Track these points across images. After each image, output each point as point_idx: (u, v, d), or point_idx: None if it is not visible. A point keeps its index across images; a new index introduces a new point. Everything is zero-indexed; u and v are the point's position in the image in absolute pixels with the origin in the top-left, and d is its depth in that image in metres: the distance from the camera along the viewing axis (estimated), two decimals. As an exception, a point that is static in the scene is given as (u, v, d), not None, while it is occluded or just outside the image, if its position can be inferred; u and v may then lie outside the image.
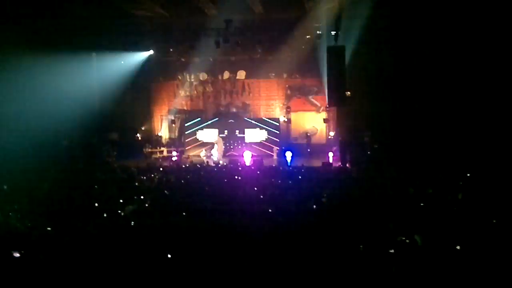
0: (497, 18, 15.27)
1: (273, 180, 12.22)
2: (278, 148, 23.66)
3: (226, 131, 24.66)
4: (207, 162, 19.41)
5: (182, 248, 5.48)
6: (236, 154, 23.55)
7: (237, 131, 24.66)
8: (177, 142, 25.58)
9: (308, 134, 24.86)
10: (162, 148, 24.47)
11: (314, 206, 8.36)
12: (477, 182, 9.67)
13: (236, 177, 12.86)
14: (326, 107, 24.71)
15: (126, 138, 24.65)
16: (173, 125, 25.93)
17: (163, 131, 26.63)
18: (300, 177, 13.09)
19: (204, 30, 22.85)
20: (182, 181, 12.46)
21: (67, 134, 21.24)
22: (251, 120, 24.97)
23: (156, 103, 27.03)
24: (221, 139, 23.48)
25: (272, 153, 23.73)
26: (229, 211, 7.78)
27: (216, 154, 22.42)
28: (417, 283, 4.33)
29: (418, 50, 18.67)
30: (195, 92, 26.24)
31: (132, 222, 7.06)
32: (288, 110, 24.91)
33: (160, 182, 12.46)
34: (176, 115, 25.90)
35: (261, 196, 9.45)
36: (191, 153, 24.23)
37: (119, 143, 23.21)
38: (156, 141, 25.57)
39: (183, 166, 17.60)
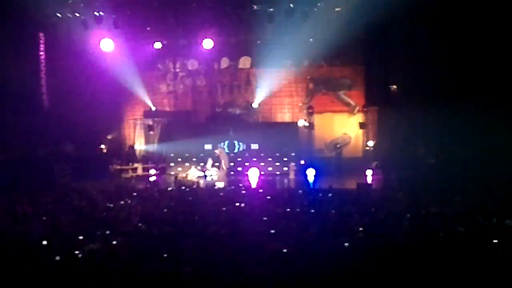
0: None
1: (288, 208, 12.22)
2: (296, 163, 23.67)
3: (224, 142, 24.59)
4: (197, 183, 19.36)
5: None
6: (239, 172, 23.57)
7: (238, 141, 24.71)
8: (156, 156, 25.69)
9: (338, 144, 24.98)
10: (135, 165, 24.64)
11: (346, 244, 8.32)
12: None
13: (238, 204, 12.94)
14: (364, 107, 24.88)
15: (86, 151, 24.58)
16: (151, 132, 25.97)
17: (138, 141, 26.76)
18: (326, 203, 13.14)
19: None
20: (164, 211, 12.50)
21: (2, 145, 21.12)
22: (258, 126, 25.06)
23: (128, 103, 27.07)
24: (223, 150, 23.44)
25: (288, 171, 23.74)
26: (228, 252, 7.85)
27: (219, 173, 22.51)
28: None
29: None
30: (182, 86, 26.26)
31: (94, 267, 7.13)
32: (310, 111, 24.93)
33: (133, 211, 12.48)
34: (156, 119, 25.96)
35: (272, 231, 9.47)
36: (177, 172, 24.28)
37: (76, 158, 23.14)
38: (127, 155, 25.73)
39: (165, 189, 17.59)
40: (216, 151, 22.54)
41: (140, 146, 26.33)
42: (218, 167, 22.31)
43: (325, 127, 25.16)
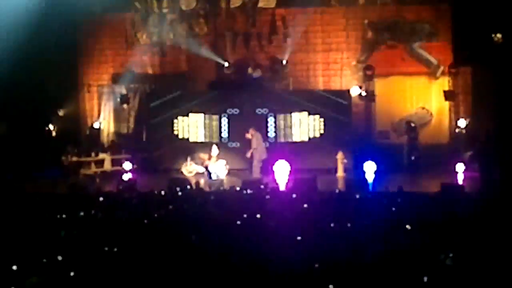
0: None
1: (333, 223, 12.07)
2: (348, 154, 23.79)
3: (237, 119, 25.01)
4: (197, 183, 19.46)
5: None
6: (259, 167, 23.38)
7: (258, 119, 24.87)
8: (133, 143, 26.14)
9: (412, 124, 24.90)
10: (101, 155, 24.93)
11: (425, 279, 8.37)
12: None
13: (257, 215, 12.90)
14: (451, 68, 24.95)
15: (25, 133, 24.69)
16: (125, 106, 26.43)
17: (104, 120, 27.18)
18: (394, 216, 13.03)
19: None
20: (145, 221, 12.61)
21: None
22: (289, 96, 25.30)
23: (89, 61, 27.52)
24: (258, 134, 23.32)
25: (334, 165, 23.82)
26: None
27: (219, 169, 22.94)
28: None
29: None
30: (171, 36, 26.57)
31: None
32: (368, 73, 24.93)
33: (97, 225, 12.46)
34: (132, 86, 26.47)
35: (307, 255, 9.46)
36: (166, 166, 24.69)
37: (10, 143, 23.51)
38: (88, 141, 26.15)
39: (147, 193, 17.21)
40: (248, 134, 22.71)
41: (107, 127, 26.61)
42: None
43: (391, 98, 25.20)
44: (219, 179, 22.05)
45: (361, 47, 25.55)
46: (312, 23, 25.47)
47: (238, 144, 24.64)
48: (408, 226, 11.57)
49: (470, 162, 21.86)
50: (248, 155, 22.57)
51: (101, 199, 15.67)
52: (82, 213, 13.59)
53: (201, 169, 23.50)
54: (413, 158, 23.67)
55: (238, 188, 17.99)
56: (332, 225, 11.98)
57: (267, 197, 16.03)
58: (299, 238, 10.58)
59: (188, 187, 18.53)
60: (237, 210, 13.55)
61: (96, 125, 26.70)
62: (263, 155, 22.53)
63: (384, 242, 10.38)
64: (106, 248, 10.30)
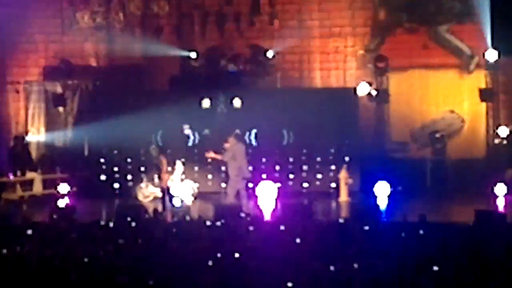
0: None
1: (333, 265, 11.47)
2: (351, 172, 23.21)
3: (207, 126, 24.62)
4: (155, 211, 19.05)
5: None
6: (239, 188, 22.72)
7: (237, 130, 23.79)
8: (70, 157, 25.66)
9: (438, 133, 24.56)
10: (29, 174, 24.48)
11: None
12: None
13: (235, 254, 12.49)
14: (488, 59, 24.32)
15: None
16: (60, 108, 26.07)
17: (33, 126, 26.75)
18: (415, 255, 12.50)
19: None
20: (85, 260, 12.17)
21: None
22: (278, 96, 24.95)
23: (12, 51, 26.95)
24: (237, 142, 22.46)
25: (336, 186, 23.48)
26: None
27: (185, 192, 22.49)
28: None
29: None
30: (121, 17, 26.51)
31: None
32: (380, 65, 24.66)
33: (24, 266, 12.01)
34: (69, 83, 26.00)
35: None
36: (113, 189, 24.49)
37: None
38: (12, 155, 25.67)
39: (89, 224, 17.16)
40: (227, 144, 21.59)
41: (37, 136, 26.07)
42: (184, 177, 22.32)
43: (410, 99, 24.73)
44: (184, 206, 21.63)
45: (371, 32, 25.10)
46: (306, 0, 25.13)
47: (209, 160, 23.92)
48: (435, 268, 11.10)
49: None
50: (208, 155, 21.84)
51: (29, 232, 15.28)
52: (4, 251, 13.14)
53: (160, 193, 22.44)
54: (439, 177, 23.11)
55: (209, 218, 17.85)
56: (332, 268, 11.43)
57: (250, 228, 15.68)
58: (289, 284, 10.21)
59: (145, 216, 18.28)
60: (209, 247, 13.34)
61: (21, 135, 26.03)
62: (242, 174, 21.62)
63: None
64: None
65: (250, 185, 22.37)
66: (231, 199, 21.12)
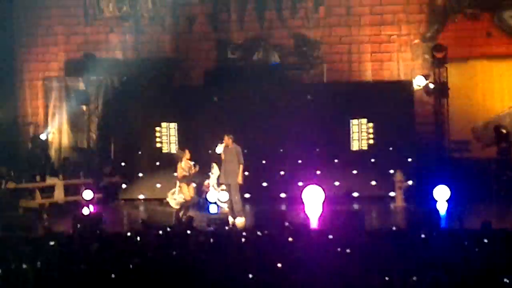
0: None
1: (388, 276, 11.33)
2: (406, 174, 22.59)
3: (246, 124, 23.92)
4: (189, 219, 18.12)
5: None
6: (280, 197, 23.25)
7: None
8: (95, 161, 25.43)
9: (504, 130, 23.76)
10: (50, 180, 23.77)
11: None
12: None
13: (278, 264, 12.23)
14: None
15: None
16: (84, 107, 25.67)
17: (53, 127, 26.38)
18: (479, 265, 12.08)
19: None
20: (112, 276, 11.80)
21: None
22: (323, 90, 24.03)
23: (31, 46, 26.66)
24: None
25: (390, 191, 22.86)
26: None
27: (223, 198, 21.85)
28: None
29: None
30: (150, 6, 25.86)
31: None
32: (438, 55, 23.79)
33: (46, 283, 11.86)
34: (94, 78, 25.48)
35: None
36: (147, 195, 24.02)
37: None
38: (31, 158, 25.19)
39: (115, 234, 16.76)
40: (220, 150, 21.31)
41: (58, 138, 25.70)
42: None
43: (472, 93, 24.15)
44: (222, 213, 21.09)
45: (428, 18, 24.51)
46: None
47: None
48: (506, 280, 10.95)
49: None
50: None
51: (51, 243, 14.62)
52: (24, 266, 12.57)
53: (196, 198, 22.20)
54: (505, 179, 22.23)
55: (249, 226, 18.18)
56: (386, 278, 11.41)
57: (290, 239, 15.26)
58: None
59: (178, 224, 18.37)
60: (249, 259, 13.08)
61: (42, 136, 25.73)
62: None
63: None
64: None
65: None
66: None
